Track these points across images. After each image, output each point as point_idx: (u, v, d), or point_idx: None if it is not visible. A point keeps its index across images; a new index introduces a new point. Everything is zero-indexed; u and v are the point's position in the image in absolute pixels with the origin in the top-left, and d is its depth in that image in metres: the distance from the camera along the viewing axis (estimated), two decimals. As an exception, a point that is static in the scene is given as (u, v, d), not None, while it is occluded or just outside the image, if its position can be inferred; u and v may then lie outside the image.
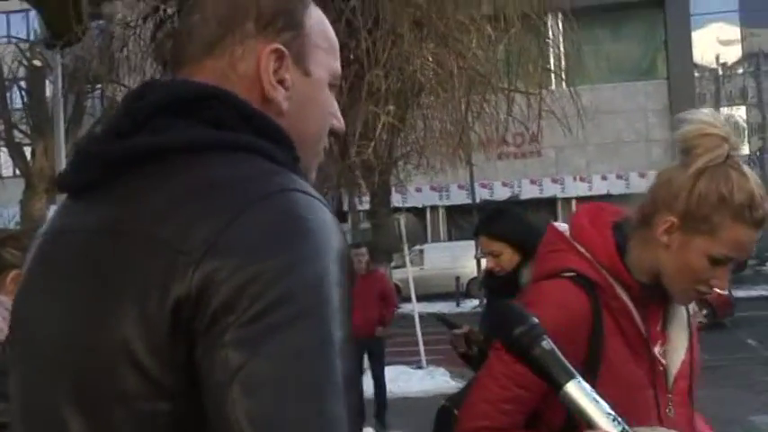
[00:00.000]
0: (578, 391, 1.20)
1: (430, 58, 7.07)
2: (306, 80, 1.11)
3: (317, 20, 1.14)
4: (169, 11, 7.37)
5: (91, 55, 9.30)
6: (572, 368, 1.22)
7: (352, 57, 6.48)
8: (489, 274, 3.65)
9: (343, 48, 6.41)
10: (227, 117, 1.01)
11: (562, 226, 1.75)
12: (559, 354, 1.21)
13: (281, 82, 1.08)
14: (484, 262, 3.95)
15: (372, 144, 7.89)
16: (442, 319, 4.80)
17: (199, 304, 0.87)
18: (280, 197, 0.93)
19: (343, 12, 6.07)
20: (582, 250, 1.65)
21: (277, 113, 1.07)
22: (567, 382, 1.20)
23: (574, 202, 27.04)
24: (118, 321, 0.90)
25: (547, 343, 1.21)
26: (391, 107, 8.00)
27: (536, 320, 1.23)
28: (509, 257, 3.48)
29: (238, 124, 1.01)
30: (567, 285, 1.62)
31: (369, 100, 7.69)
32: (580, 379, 1.21)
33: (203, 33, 1.09)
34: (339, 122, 1.20)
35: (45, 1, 5.56)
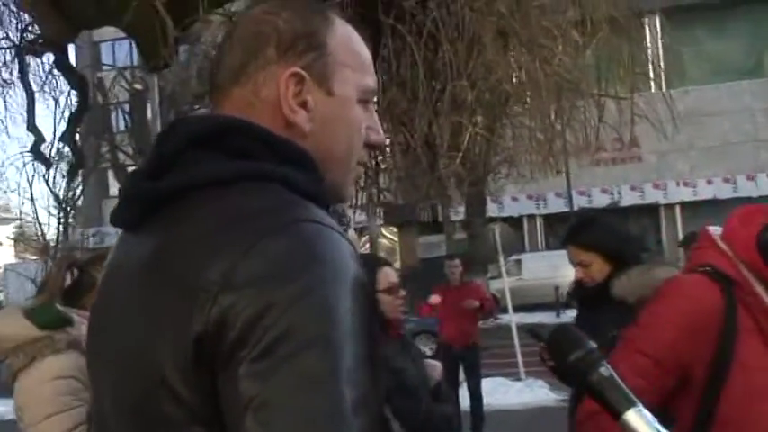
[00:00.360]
0: (639, 419, 1.13)
1: (515, 66, 6.99)
2: (330, 100, 1.12)
3: (342, 38, 1.15)
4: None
5: (188, 75, 9.62)
6: (632, 395, 1.16)
7: (435, 68, 6.49)
8: (579, 285, 3.56)
9: (426, 61, 6.43)
10: (250, 147, 1.04)
11: (716, 229, 1.77)
12: (618, 380, 1.16)
13: (302, 104, 1.10)
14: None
15: (460, 155, 7.84)
16: (531, 331, 4.71)
17: (217, 338, 0.91)
18: (293, 228, 0.95)
19: (424, 25, 6.08)
20: (724, 247, 1.66)
21: (301, 136, 1.09)
22: (627, 409, 1.14)
23: (678, 209, 26.19)
24: (154, 353, 0.96)
25: (605, 369, 1.16)
26: (479, 118, 7.95)
27: (593, 345, 1.18)
28: (599, 268, 3.37)
29: (262, 153, 1.04)
30: (700, 279, 1.63)
31: (455, 111, 7.67)
32: (641, 407, 1.15)
33: (230, 62, 1.12)
34: (378, 135, 1.20)
35: (136, 28, 5.80)
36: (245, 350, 0.89)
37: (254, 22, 1.12)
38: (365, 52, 1.18)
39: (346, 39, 1.15)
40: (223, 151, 1.04)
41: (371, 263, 3.68)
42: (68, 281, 2.60)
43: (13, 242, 41.00)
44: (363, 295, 0.96)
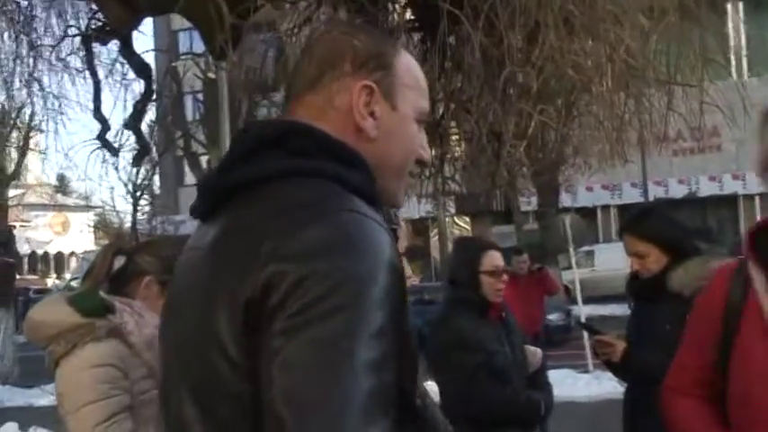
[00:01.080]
0: None
1: (581, 53, 6.85)
2: (393, 114, 1.29)
3: (406, 64, 1.33)
4: (322, 17, 7.60)
5: (259, 64, 9.75)
6: None
7: (497, 55, 6.40)
8: (634, 277, 3.50)
9: (486, 47, 6.35)
10: (309, 147, 1.21)
11: None
12: None
13: (371, 114, 1.27)
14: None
15: (524, 143, 7.74)
16: (584, 325, 4.66)
17: (262, 302, 1.07)
18: (337, 215, 1.12)
19: (482, 10, 6.01)
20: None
21: (367, 141, 1.27)
22: None
23: (757, 199, 25.33)
24: (213, 319, 1.12)
25: None
26: (546, 106, 7.83)
27: None
28: (655, 259, 3.31)
29: (319, 152, 1.20)
30: (725, 268, 1.76)
31: (521, 99, 7.57)
32: None
33: (307, 72, 1.29)
34: (426, 153, 1.38)
35: (192, 13, 5.90)
36: (282, 312, 1.04)
37: (333, 39, 1.30)
38: (423, 78, 1.37)
39: (410, 64, 1.34)
40: (286, 150, 1.20)
41: (477, 245, 3.74)
42: (115, 268, 2.56)
43: (92, 229, 42.17)
44: (396, 279, 1.10)
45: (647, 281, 3.35)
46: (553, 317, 14.98)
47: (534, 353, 3.81)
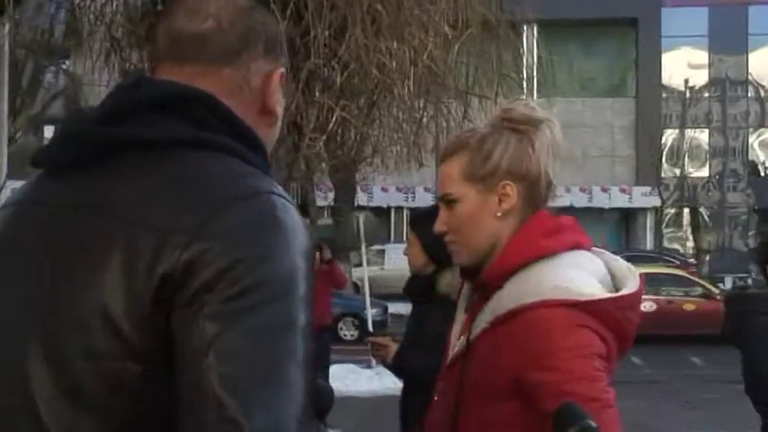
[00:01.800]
0: None
1: (386, 53, 6.99)
2: (282, 102, 1.29)
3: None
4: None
5: (46, 27, 9.11)
6: None
7: (303, 48, 6.39)
8: (413, 278, 3.55)
9: (290, 38, 6.31)
10: (212, 121, 1.15)
11: None
12: None
13: (278, 100, 1.27)
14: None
15: (324, 138, 7.79)
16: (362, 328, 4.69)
17: (182, 281, 1.00)
18: (261, 197, 1.08)
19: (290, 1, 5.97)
20: None
21: (269, 125, 1.26)
22: None
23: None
24: (97, 288, 1.02)
25: None
26: (347, 102, 7.91)
27: (590, 423, 1.21)
28: (416, 254, 3.38)
29: (219, 127, 1.15)
30: None
31: (323, 93, 7.61)
32: None
33: (221, 43, 1.22)
34: None
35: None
36: (212, 294, 0.99)
37: (245, 14, 1.25)
38: None
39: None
40: (184, 119, 1.13)
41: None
42: None
43: None
44: (312, 263, 1.09)
45: (419, 282, 3.42)
46: (373, 311, 15.28)
47: None
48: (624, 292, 1.49)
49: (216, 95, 1.18)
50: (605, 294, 1.46)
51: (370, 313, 12.52)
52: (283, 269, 1.03)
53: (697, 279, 16.77)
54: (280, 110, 1.27)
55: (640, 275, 1.54)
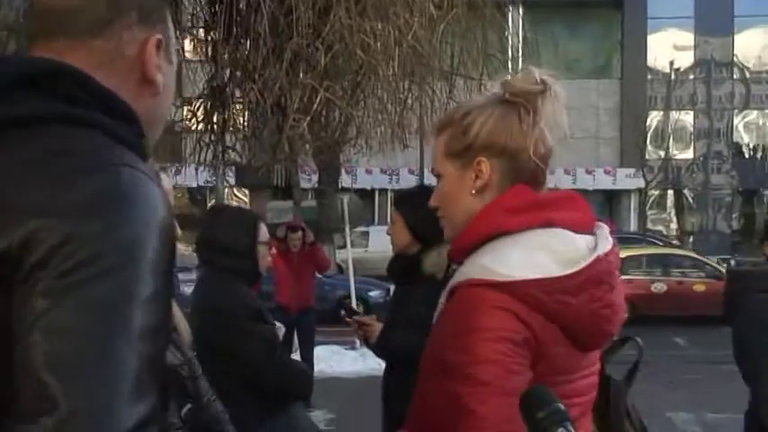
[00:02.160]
0: None
1: (371, 34, 6.93)
2: (170, 67, 1.28)
3: (169, 16, 1.32)
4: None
5: (28, 8, 8.95)
6: None
7: (286, 28, 6.32)
8: (396, 258, 3.53)
9: (276, 18, 6.25)
10: (79, 95, 1.12)
11: None
12: None
13: (158, 68, 1.24)
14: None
15: (308, 119, 7.73)
16: (344, 305, 4.75)
17: (19, 259, 0.98)
18: (108, 169, 1.05)
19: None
20: None
21: (152, 95, 1.24)
22: None
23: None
24: None
25: (565, 429, 1.15)
26: (332, 84, 7.85)
27: (559, 406, 1.17)
28: (399, 228, 3.38)
29: (89, 102, 1.13)
30: None
31: (308, 74, 7.54)
32: None
33: (90, 14, 1.20)
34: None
35: None
36: (45, 271, 0.97)
37: None
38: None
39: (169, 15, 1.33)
40: (51, 95, 1.11)
41: (253, 216, 3.69)
42: None
43: None
44: (167, 239, 1.06)
45: (402, 262, 3.40)
46: (374, 294, 15.27)
47: (279, 328, 3.81)
48: (553, 274, 1.40)
49: (85, 69, 1.16)
50: (525, 276, 1.39)
51: (373, 295, 12.45)
52: (124, 241, 1.01)
53: (704, 258, 16.76)
54: (161, 78, 1.25)
55: (599, 259, 1.45)
